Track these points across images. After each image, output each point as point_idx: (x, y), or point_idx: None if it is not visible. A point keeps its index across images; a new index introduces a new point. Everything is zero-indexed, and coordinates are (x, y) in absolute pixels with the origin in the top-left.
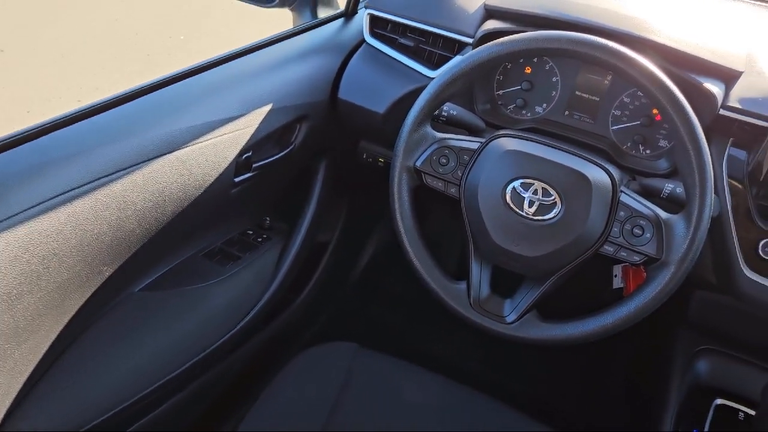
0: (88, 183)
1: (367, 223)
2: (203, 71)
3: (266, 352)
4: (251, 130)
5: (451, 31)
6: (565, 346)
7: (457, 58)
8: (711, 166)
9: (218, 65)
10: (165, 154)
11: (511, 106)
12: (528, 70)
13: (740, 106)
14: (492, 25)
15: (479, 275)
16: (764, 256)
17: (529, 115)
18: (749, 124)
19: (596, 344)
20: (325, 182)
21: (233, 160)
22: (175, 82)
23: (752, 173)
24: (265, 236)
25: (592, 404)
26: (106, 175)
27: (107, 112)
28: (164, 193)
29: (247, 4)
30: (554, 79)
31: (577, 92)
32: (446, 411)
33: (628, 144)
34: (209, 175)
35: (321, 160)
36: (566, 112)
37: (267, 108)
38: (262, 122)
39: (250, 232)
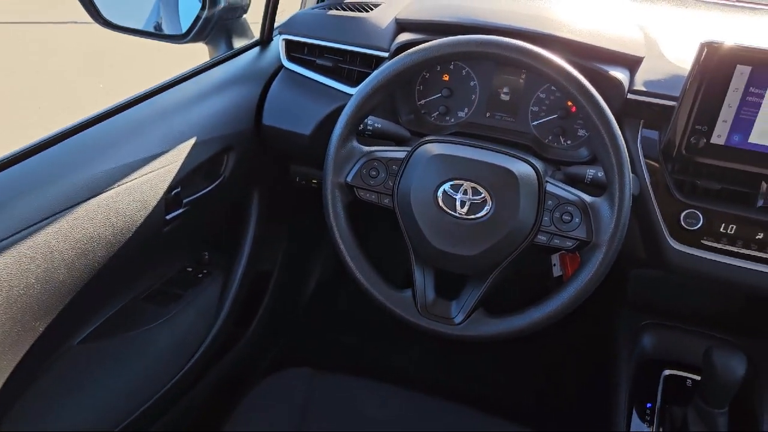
0: (10, 236)
1: (311, 246)
2: (123, 110)
3: (222, 388)
4: (177, 165)
5: (366, 48)
6: (514, 338)
7: (374, 73)
8: (625, 148)
9: (138, 103)
10: (90, 198)
11: (435, 114)
12: (446, 78)
13: (645, 89)
14: (405, 37)
15: (423, 281)
16: (687, 227)
17: (452, 120)
18: (656, 105)
19: (547, 335)
20: (260, 211)
21: (162, 198)
22: (95, 124)
23: (665, 150)
24: (205, 271)
25: (551, 395)
26: (30, 226)
27: (27, 160)
28: (93, 238)
29: (162, 42)
30: (472, 84)
31: (495, 93)
32: (410, 422)
33: (550, 137)
34: (139, 216)
35: (254, 189)
36: (488, 114)
37: (191, 141)
38: (187, 156)
39: (190, 269)
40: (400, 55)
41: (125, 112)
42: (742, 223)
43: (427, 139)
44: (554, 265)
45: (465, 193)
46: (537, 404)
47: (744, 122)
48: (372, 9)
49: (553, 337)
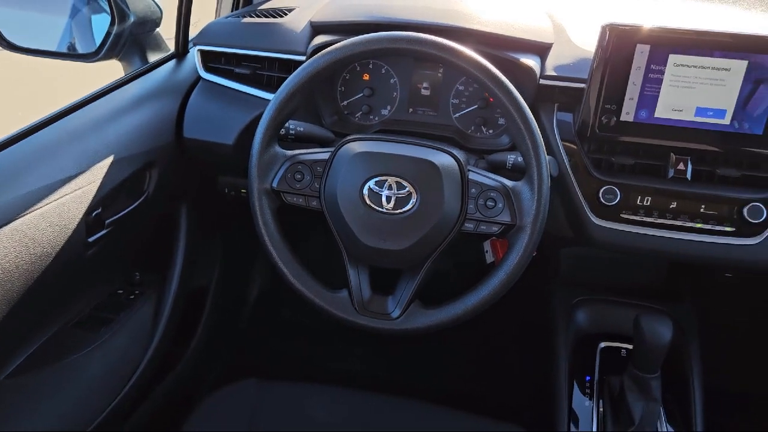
0: None
1: (248, 256)
2: (30, 134)
3: (166, 410)
4: (96, 186)
5: (283, 53)
6: (453, 327)
7: (290, 77)
8: (539, 132)
9: (46, 126)
10: (2, 226)
11: (359, 114)
12: (366, 77)
13: (556, 74)
14: (321, 39)
15: (358, 279)
16: (606, 203)
17: (376, 119)
18: (568, 89)
19: (489, 319)
20: (190, 225)
21: (81, 220)
22: (4, 149)
23: (580, 131)
24: (137, 292)
25: (496, 378)
26: None
27: None
28: (10, 269)
29: (73, 62)
30: (392, 81)
31: (415, 89)
32: (360, 421)
33: (472, 128)
34: (58, 241)
35: (181, 204)
36: (410, 110)
37: (109, 160)
38: (106, 176)
39: (120, 291)
40: (313, 57)
41: (33, 136)
42: (656, 195)
43: (349, 138)
44: (486, 251)
45: (390, 188)
46: (484, 389)
47: (649, 98)
48: (286, 14)
49: (496, 321)
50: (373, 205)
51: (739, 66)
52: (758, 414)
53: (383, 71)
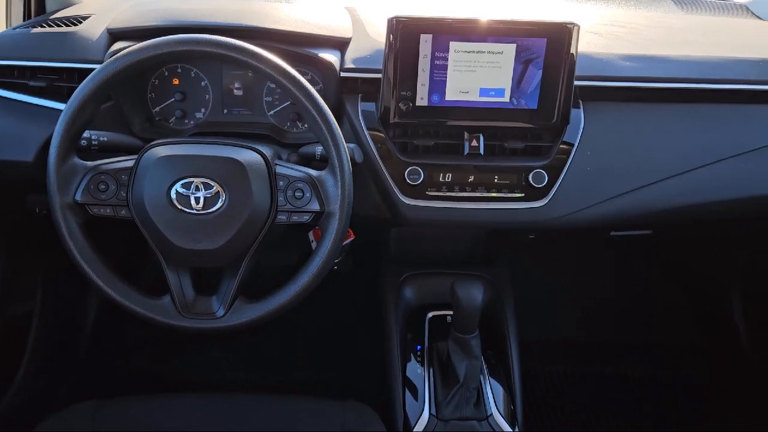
0: None
1: (77, 275)
2: None
3: None
4: None
5: (80, 62)
6: (281, 315)
7: (80, 86)
8: (334, 121)
9: None
10: None
11: (172, 119)
12: (176, 82)
13: (355, 66)
14: (119, 46)
15: (179, 282)
16: (411, 183)
17: (191, 123)
18: (367, 80)
19: (328, 308)
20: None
21: None
22: None
23: (382, 119)
24: None
25: (341, 363)
26: None
27: None
28: None
29: None
30: (203, 84)
31: (228, 90)
32: (214, 425)
33: (288, 124)
34: None
35: None
36: (225, 111)
37: None
38: None
39: None
40: (102, 64)
41: None
42: (455, 171)
43: (152, 143)
44: (312, 241)
45: (197, 189)
46: (331, 373)
47: (438, 83)
48: (81, 22)
49: (338, 306)
50: (182, 208)
51: (509, 49)
52: (566, 356)
53: (193, 74)
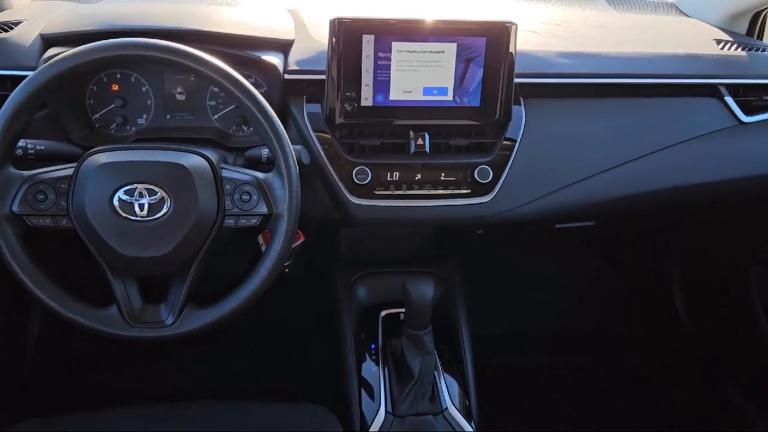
0: None
1: (19, 291)
2: None
3: None
4: None
5: (12, 69)
6: (232, 320)
7: (11, 95)
8: (279, 122)
9: None
10: None
11: (113, 126)
12: (116, 88)
13: (299, 68)
14: (53, 51)
15: (125, 292)
16: (359, 183)
17: (133, 129)
18: (311, 81)
19: (283, 312)
20: None
21: None
22: None
23: (328, 120)
24: None
25: (296, 368)
26: None
27: None
28: None
29: None
30: (144, 89)
31: (170, 95)
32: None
33: (233, 127)
34: None
35: None
36: (168, 116)
37: None
38: None
39: None
40: (35, 72)
41: None
42: (402, 169)
43: (92, 150)
44: (262, 245)
45: (141, 195)
46: (286, 377)
47: (382, 83)
48: (12, 28)
49: (291, 310)
50: (126, 215)
51: (451, 48)
52: (517, 348)
53: (133, 80)
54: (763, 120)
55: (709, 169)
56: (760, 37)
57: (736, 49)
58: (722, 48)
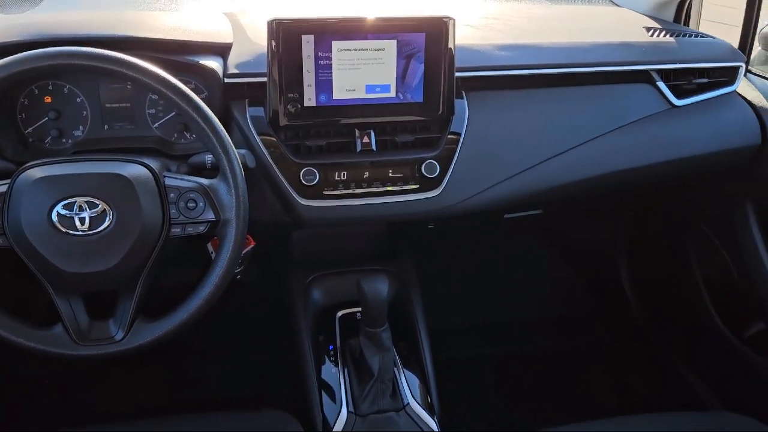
0: None
1: None
2: None
3: None
4: None
5: None
6: (184, 330)
7: None
8: (221, 126)
9: None
10: None
11: (48, 140)
12: (48, 100)
13: (239, 71)
14: None
15: (71, 309)
16: (307, 184)
17: (69, 141)
18: (252, 84)
19: (231, 321)
20: None
21: None
22: None
23: (272, 122)
24: None
25: (254, 376)
26: None
27: None
28: None
29: None
30: (79, 100)
31: (107, 105)
32: None
33: (175, 135)
34: None
35: None
36: (105, 127)
37: None
38: None
39: None
40: None
41: None
42: (350, 168)
43: (26, 165)
44: (211, 252)
45: (81, 209)
46: (247, 385)
47: (325, 83)
48: None
49: (246, 317)
50: (66, 230)
51: (390, 45)
52: (475, 339)
53: (66, 91)
54: (693, 103)
55: (646, 152)
56: (687, 23)
57: (665, 35)
58: (652, 35)
